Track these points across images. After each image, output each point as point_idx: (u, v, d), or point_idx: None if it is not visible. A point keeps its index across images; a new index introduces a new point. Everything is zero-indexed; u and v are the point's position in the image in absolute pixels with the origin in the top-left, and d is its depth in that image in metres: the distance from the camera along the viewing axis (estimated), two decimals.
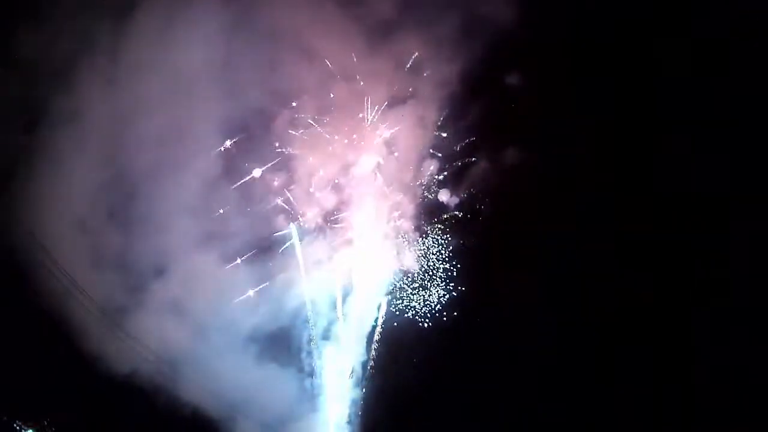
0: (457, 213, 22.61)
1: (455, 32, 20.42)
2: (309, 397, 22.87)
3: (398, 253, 22.75)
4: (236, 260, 22.42)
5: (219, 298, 22.35)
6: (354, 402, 23.07)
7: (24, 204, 20.59)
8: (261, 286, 22.55)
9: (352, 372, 23.03)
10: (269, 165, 22.38)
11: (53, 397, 20.53)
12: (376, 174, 22.31)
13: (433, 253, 22.74)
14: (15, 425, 19.32)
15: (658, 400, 20.99)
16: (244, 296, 22.42)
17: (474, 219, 22.51)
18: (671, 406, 20.77)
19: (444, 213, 22.70)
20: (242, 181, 22.38)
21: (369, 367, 23.08)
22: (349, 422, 23.09)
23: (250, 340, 22.38)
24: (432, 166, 22.28)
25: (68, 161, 21.13)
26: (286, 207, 22.74)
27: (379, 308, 23.04)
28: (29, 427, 19.57)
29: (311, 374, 23.11)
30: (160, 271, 21.88)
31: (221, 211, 22.30)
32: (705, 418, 20.17)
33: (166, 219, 21.70)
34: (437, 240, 22.74)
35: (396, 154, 22.33)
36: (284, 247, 22.86)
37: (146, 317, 21.63)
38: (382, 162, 22.20)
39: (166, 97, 21.17)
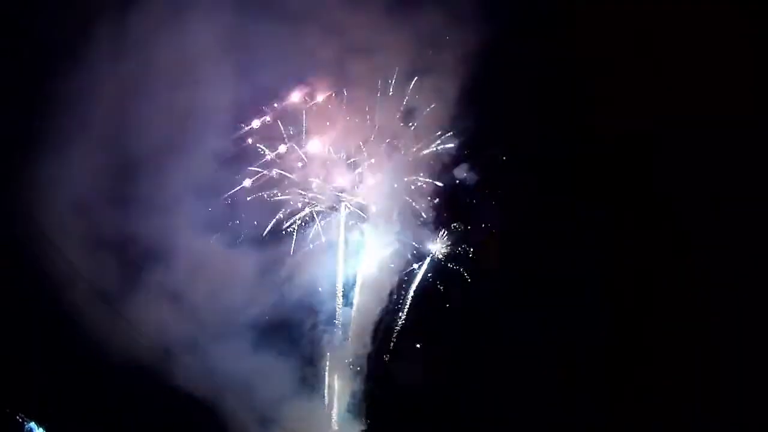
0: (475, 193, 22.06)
1: (477, 5, 19.85)
2: (308, 386, 22.23)
3: (413, 235, 22.15)
4: (242, 245, 21.82)
5: (221, 284, 21.57)
6: (355, 392, 22.50)
7: (23, 187, 19.76)
8: (266, 272, 21.84)
9: (351, 361, 22.43)
10: (279, 144, 21.76)
11: (52, 387, 19.91)
12: (392, 152, 21.75)
13: (450, 235, 22.14)
14: (18, 418, 18.41)
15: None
16: (248, 282, 21.65)
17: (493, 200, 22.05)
18: None
19: (462, 192, 22.09)
20: (250, 161, 21.72)
21: (373, 358, 22.48)
22: (349, 411, 22.53)
23: (251, 328, 21.72)
24: (451, 144, 21.67)
25: (69, 142, 20.24)
26: (297, 188, 22.08)
27: (390, 295, 22.37)
28: (31, 419, 18.77)
29: (312, 362, 22.42)
30: (161, 257, 21.12)
31: (229, 198, 21.75)
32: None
33: (168, 202, 20.90)
34: (454, 221, 22.16)
35: (412, 126, 21.68)
36: (293, 230, 22.18)
37: (147, 303, 20.90)
38: (399, 139, 21.65)
39: (172, 74, 20.39)
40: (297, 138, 21.74)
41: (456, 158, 21.71)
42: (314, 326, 22.51)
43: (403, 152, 21.75)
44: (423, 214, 22.00)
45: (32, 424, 18.86)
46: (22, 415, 18.62)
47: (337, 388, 22.39)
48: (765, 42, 19.20)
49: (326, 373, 22.37)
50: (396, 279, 22.25)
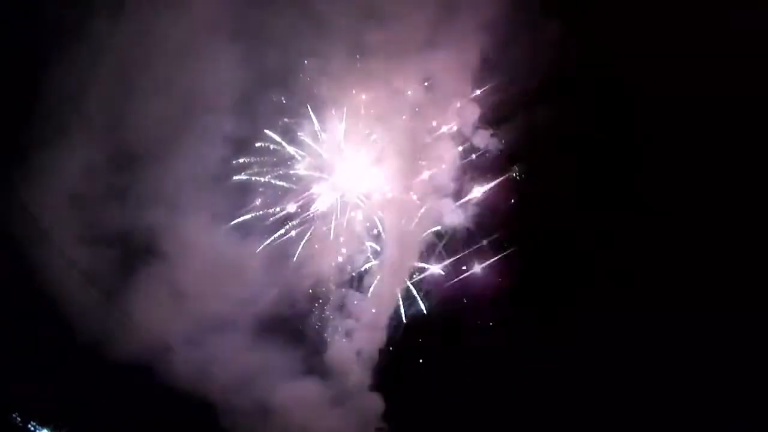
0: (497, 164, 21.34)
1: None
2: (315, 376, 21.28)
3: (433, 212, 21.26)
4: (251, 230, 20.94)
5: (226, 274, 20.73)
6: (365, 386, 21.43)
7: (20, 178, 19.25)
8: (274, 259, 21.02)
9: (359, 353, 21.38)
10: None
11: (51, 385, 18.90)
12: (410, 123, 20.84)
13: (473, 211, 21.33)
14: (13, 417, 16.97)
15: None
16: (253, 272, 20.78)
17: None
18: None
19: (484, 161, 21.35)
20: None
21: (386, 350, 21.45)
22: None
23: (256, 318, 20.82)
24: (472, 113, 20.97)
25: (68, 131, 19.60)
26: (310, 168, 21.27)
27: (407, 281, 21.38)
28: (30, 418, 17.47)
29: (319, 353, 21.48)
30: (163, 248, 20.19)
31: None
32: None
33: (172, 193, 20.19)
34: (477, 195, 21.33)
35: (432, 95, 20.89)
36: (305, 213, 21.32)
37: (149, 296, 20.14)
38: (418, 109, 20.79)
39: (176, 55, 19.72)
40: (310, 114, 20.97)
41: (477, 127, 21.06)
42: (323, 315, 21.60)
43: (422, 123, 21.01)
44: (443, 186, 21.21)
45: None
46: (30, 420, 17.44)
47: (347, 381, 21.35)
48: None
49: (333, 365, 21.35)
50: (416, 261, 21.31)
